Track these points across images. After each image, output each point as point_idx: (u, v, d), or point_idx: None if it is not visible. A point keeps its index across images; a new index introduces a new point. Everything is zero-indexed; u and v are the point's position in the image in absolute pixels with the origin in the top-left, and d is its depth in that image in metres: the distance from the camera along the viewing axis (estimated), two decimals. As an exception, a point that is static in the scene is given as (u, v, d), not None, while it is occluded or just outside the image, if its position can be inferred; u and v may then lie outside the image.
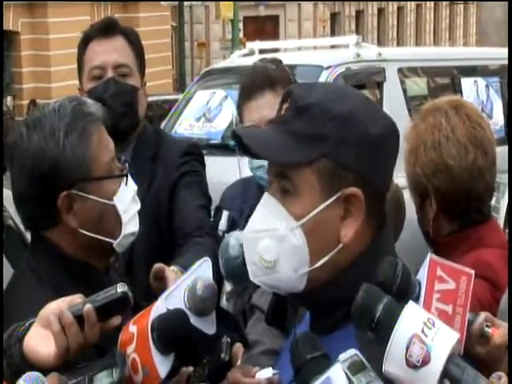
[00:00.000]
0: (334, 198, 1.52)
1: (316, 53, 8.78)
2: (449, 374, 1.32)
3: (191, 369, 1.92)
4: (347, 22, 34.86)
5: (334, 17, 34.39)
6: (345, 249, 1.54)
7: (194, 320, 1.78)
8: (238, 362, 1.96)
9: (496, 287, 2.26)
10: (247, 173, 3.08)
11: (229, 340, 1.86)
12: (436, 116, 2.41)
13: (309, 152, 1.52)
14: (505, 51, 12.37)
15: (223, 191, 3.25)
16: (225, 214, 2.75)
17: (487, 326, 1.65)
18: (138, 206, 2.08)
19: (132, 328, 1.67)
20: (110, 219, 1.98)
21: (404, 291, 1.46)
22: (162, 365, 1.64)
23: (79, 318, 1.64)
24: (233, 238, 2.01)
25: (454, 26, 41.08)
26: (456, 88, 8.33)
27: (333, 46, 9.55)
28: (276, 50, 9.57)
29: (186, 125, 8.15)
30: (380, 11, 36.38)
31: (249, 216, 2.98)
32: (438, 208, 2.38)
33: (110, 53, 2.90)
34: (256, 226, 1.58)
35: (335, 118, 1.52)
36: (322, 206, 1.52)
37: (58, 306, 1.65)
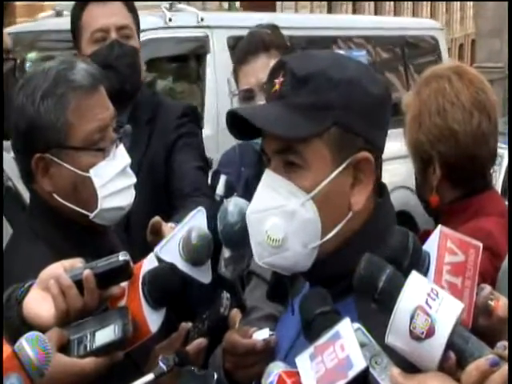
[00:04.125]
0: (345, 163, 1.51)
1: None
2: (453, 345, 1.31)
3: (190, 324, 1.92)
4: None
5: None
6: (355, 216, 1.53)
7: (189, 270, 1.78)
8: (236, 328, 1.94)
9: (495, 256, 2.25)
10: None
11: (228, 296, 1.86)
12: (439, 82, 2.38)
13: (318, 123, 1.50)
14: (376, 20, 10.46)
15: (221, 155, 3.24)
16: (222, 178, 2.73)
17: (490, 298, 1.64)
18: (130, 180, 2.05)
19: (123, 283, 1.67)
20: (85, 191, 1.96)
21: (416, 262, 1.45)
22: (153, 319, 1.65)
23: (79, 283, 1.63)
24: (231, 204, 1.99)
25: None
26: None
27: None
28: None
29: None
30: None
31: (247, 182, 2.99)
32: (442, 175, 2.35)
33: (110, 15, 2.92)
34: (260, 205, 1.55)
35: (338, 84, 1.51)
36: (334, 174, 1.50)
37: (58, 269, 1.64)
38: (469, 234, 2.25)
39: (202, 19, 6.37)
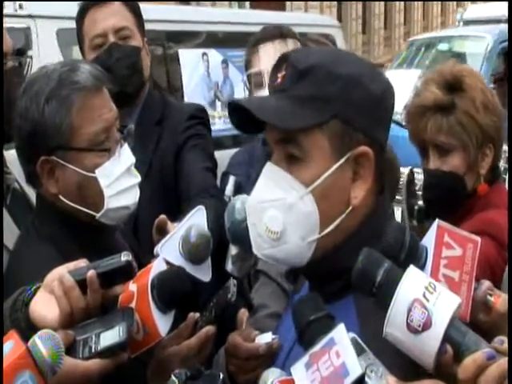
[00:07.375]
0: (345, 158, 1.51)
1: None
2: (450, 339, 1.32)
3: (197, 314, 1.92)
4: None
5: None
6: (354, 212, 1.52)
7: (189, 268, 1.78)
8: (243, 328, 1.95)
9: (503, 247, 2.27)
10: None
11: (235, 282, 1.86)
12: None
13: (318, 114, 1.50)
14: (259, 14, 8.61)
15: (230, 157, 3.25)
16: (231, 179, 2.74)
17: (489, 294, 1.64)
18: (135, 179, 2.06)
19: (132, 287, 1.67)
20: (91, 191, 1.96)
21: (412, 256, 1.45)
22: (163, 323, 1.65)
23: (83, 283, 1.64)
24: (239, 202, 2.01)
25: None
26: (169, 61, 6.16)
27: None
28: None
29: None
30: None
31: (255, 181, 3.00)
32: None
33: (108, 18, 2.90)
34: (260, 196, 1.56)
35: (339, 79, 1.51)
36: (334, 168, 1.50)
37: (62, 271, 1.65)
38: (478, 225, 2.29)
39: (20, 6, 5.22)
